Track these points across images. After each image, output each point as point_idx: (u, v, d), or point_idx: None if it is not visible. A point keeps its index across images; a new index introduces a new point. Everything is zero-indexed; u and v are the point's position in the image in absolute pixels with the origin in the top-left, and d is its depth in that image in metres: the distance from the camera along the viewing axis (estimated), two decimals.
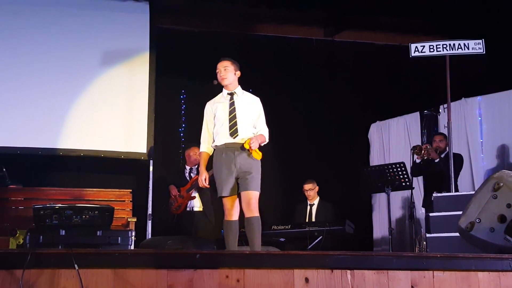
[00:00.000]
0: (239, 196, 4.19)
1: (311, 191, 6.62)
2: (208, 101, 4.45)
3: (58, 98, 6.75)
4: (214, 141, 4.28)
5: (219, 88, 4.44)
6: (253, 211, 4.12)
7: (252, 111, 4.29)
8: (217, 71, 4.33)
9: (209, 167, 4.40)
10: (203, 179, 4.28)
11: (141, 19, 7.19)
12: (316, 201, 6.68)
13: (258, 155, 4.16)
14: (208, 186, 4.32)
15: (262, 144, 4.28)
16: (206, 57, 7.66)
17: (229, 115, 4.22)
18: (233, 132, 4.17)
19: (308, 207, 6.67)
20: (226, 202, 4.19)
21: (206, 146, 4.34)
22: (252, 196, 4.11)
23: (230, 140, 4.18)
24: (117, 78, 7.01)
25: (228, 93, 4.32)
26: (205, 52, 7.66)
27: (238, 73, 4.35)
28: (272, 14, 7.92)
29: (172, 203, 6.34)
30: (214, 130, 4.28)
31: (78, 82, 6.84)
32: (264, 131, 4.29)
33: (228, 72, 4.29)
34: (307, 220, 6.55)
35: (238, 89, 4.34)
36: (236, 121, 4.19)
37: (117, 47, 7.04)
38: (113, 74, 6.99)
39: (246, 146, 4.10)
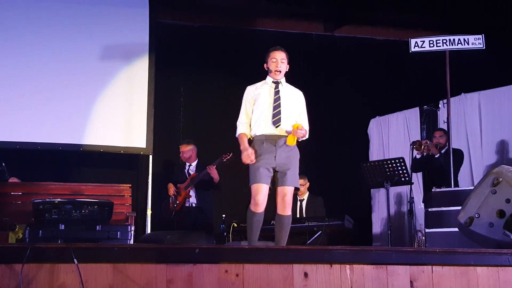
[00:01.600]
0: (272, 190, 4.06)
1: (302, 186, 6.59)
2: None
3: (57, 92, 6.73)
4: (251, 129, 4.10)
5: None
6: (287, 208, 4.04)
7: (296, 105, 4.15)
8: (271, 59, 4.13)
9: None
10: (250, 153, 3.96)
11: (141, 13, 7.16)
12: (305, 196, 6.67)
13: (292, 141, 3.99)
14: (254, 160, 4.00)
15: (300, 139, 4.09)
16: (205, 52, 7.70)
17: (274, 102, 4.06)
18: (276, 121, 4.01)
19: (298, 203, 6.64)
20: (258, 191, 3.96)
21: (244, 128, 4.11)
22: (289, 191, 4.02)
23: (271, 130, 4.03)
24: (117, 73, 6.99)
25: (273, 81, 4.16)
26: (205, 47, 7.67)
27: (288, 66, 4.21)
28: (272, 9, 7.90)
29: (171, 200, 6.36)
30: (253, 117, 4.10)
31: (77, 76, 6.82)
32: (306, 128, 4.12)
33: (283, 64, 4.15)
34: (298, 216, 6.54)
35: (283, 80, 4.20)
36: (280, 110, 4.04)
37: (116, 42, 7.03)
38: (112, 69, 6.98)
39: (296, 126, 3.95)
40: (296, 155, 4.10)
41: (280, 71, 4.14)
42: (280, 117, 4.04)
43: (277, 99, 4.09)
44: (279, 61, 4.13)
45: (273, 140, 4.03)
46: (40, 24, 6.84)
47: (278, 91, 4.12)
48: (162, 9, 7.44)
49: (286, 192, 4.03)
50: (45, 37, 6.82)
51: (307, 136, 4.12)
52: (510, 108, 6.61)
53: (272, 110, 4.05)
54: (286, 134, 4.04)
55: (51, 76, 6.75)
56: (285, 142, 4.03)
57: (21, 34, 6.78)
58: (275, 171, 4.03)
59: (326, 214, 6.44)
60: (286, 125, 4.04)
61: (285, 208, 4.06)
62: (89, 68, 6.88)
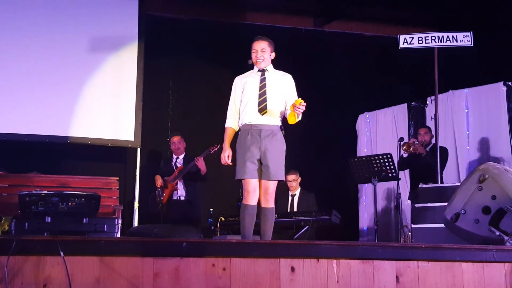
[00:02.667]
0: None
1: (294, 182, 6.61)
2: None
3: (44, 84, 6.67)
4: (239, 119, 4.13)
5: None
6: (270, 201, 4.05)
7: (283, 88, 4.16)
8: (252, 50, 4.17)
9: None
10: (226, 156, 4.10)
11: (130, 5, 7.10)
12: (297, 192, 6.67)
13: (294, 119, 3.97)
14: (230, 163, 4.10)
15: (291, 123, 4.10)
16: (195, 46, 7.67)
17: (259, 90, 4.09)
18: (262, 108, 4.03)
19: (290, 198, 6.66)
20: (246, 184, 4.00)
21: (232, 121, 4.17)
22: (271, 185, 4.03)
23: (257, 118, 4.04)
24: (105, 65, 6.94)
25: (259, 70, 4.19)
26: (195, 41, 7.63)
27: (273, 54, 4.22)
28: (262, 3, 7.88)
29: (157, 193, 6.35)
30: (240, 106, 4.14)
31: (65, 68, 6.75)
32: None
33: (264, 54, 4.15)
34: (289, 211, 6.56)
35: (270, 67, 4.22)
36: (265, 97, 4.06)
37: (105, 34, 6.97)
38: (101, 61, 6.92)
39: (298, 102, 3.92)
40: (281, 146, 4.10)
41: (262, 60, 4.16)
42: (266, 104, 4.05)
43: (262, 86, 4.11)
44: (258, 51, 4.16)
45: (258, 130, 4.04)
46: (27, 15, 6.75)
47: (264, 78, 4.14)
48: (151, 1, 7.38)
49: (269, 186, 4.04)
50: (33, 27, 6.73)
51: (300, 118, 4.12)
52: (497, 105, 6.65)
53: (258, 98, 4.08)
54: (276, 124, 4.05)
55: (38, 67, 6.68)
56: (271, 133, 4.04)
57: (7, 25, 6.69)
58: (260, 163, 4.04)
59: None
60: (272, 113, 4.06)
61: (267, 201, 4.06)
62: (77, 60, 6.82)
